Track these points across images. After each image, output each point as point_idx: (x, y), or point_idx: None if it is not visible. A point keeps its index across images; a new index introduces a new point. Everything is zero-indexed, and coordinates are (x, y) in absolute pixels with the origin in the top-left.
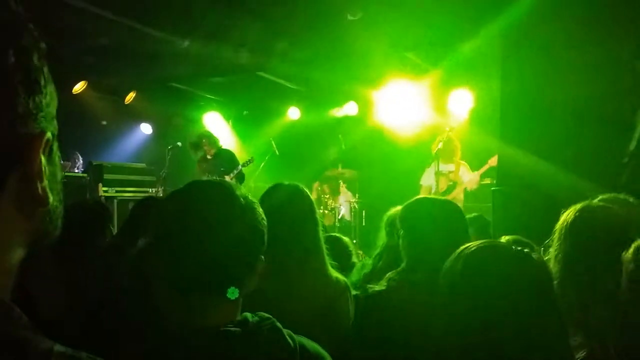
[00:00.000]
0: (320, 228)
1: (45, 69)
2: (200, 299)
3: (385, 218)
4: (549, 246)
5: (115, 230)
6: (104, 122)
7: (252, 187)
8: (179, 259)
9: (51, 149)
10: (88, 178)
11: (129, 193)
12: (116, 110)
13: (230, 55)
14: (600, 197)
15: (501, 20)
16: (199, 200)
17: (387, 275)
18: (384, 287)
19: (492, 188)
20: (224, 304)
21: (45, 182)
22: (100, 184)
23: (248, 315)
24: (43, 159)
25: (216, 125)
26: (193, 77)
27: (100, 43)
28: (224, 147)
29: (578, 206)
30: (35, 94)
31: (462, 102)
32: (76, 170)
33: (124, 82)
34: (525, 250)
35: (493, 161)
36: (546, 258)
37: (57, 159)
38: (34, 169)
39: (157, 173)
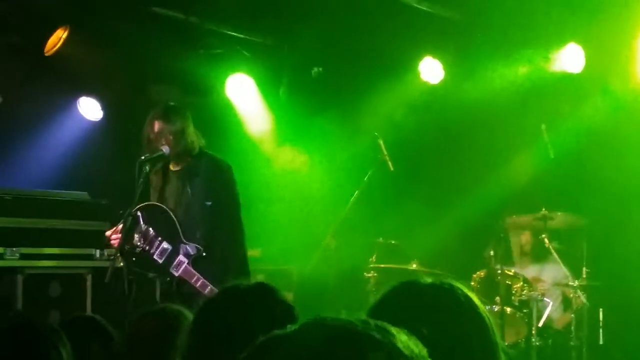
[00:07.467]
0: None
1: None
2: None
3: None
4: None
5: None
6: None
7: (331, 247)
8: None
9: None
10: None
11: (52, 260)
12: (27, 70)
13: None
14: None
15: None
16: (234, 326)
17: None
18: None
19: None
20: None
21: None
22: None
23: None
24: None
25: (246, 100)
26: None
27: None
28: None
29: None
30: None
31: None
32: None
33: (46, 15)
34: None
35: None
36: None
37: None
38: None
39: (114, 211)
